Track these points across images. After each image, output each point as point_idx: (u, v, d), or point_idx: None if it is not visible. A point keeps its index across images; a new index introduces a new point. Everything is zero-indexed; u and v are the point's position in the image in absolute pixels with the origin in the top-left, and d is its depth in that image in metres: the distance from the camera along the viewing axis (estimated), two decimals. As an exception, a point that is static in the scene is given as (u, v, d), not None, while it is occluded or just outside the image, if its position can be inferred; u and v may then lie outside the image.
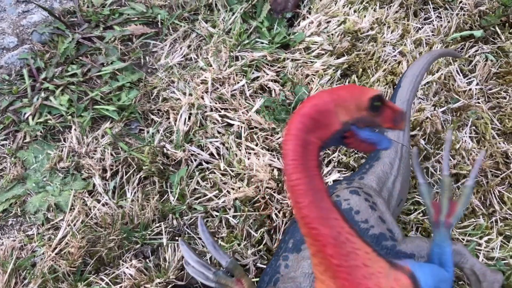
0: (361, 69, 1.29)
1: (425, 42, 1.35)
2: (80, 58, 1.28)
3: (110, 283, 0.96)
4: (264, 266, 0.97)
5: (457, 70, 1.30)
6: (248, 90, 1.23)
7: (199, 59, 1.30)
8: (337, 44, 1.31)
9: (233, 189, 1.07)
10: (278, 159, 1.12)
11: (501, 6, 1.39)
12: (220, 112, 1.19)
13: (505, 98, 1.26)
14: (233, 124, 1.17)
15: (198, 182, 1.09)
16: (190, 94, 1.22)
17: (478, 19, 1.39)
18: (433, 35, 1.38)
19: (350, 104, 0.56)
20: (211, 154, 1.13)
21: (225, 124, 1.18)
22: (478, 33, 1.35)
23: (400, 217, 1.05)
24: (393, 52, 1.33)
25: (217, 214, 1.05)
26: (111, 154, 1.12)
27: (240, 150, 1.13)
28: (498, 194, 1.11)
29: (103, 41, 1.31)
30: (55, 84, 1.23)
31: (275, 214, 1.04)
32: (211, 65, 1.27)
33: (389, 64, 1.30)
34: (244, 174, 1.09)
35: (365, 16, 1.39)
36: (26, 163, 1.13)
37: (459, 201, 0.77)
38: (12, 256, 0.99)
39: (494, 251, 1.01)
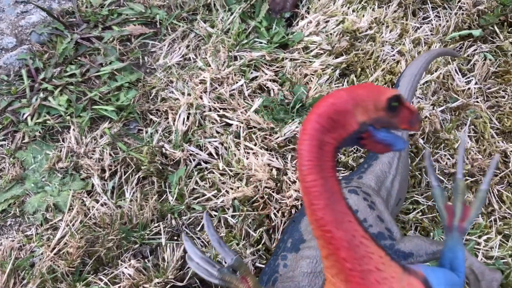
0: (359, 69, 1.29)
1: (423, 42, 1.35)
2: (79, 58, 1.28)
3: (108, 283, 0.96)
4: (263, 266, 0.97)
5: (455, 69, 1.30)
6: (247, 90, 1.23)
7: (197, 59, 1.30)
8: (335, 44, 1.31)
9: (231, 188, 1.07)
10: (277, 158, 1.12)
11: (500, 5, 1.40)
12: (219, 112, 1.19)
13: (503, 97, 1.26)
14: (232, 124, 1.17)
15: (196, 182, 1.09)
16: (189, 94, 1.22)
17: (476, 18, 1.39)
18: (431, 34, 1.38)
19: (368, 104, 0.54)
20: (210, 154, 1.13)
21: (223, 124, 1.18)
22: (476, 32, 1.35)
23: (399, 216, 1.05)
24: (392, 51, 1.33)
25: (216, 214, 1.05)
26: (110, 154, 1.12)
27: (238, 150, 1.13)
28: (497, 193, 1.11)
29: (102, 41, 1.31)
30: (54, 85, 1.23)
31: (274, 213, 1.04)
32: (209, 65, 1.27)
33: (388, 63, 1.30)
34: (243, 173, 1.09)
35: (363, 15, 1.39)
36: (25, 163, 1.13)
37: (473, 205, 0.75)
38: (11, 256, 0.99)
39: (493, 250, 1.01)
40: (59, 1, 1.41)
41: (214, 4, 1.41)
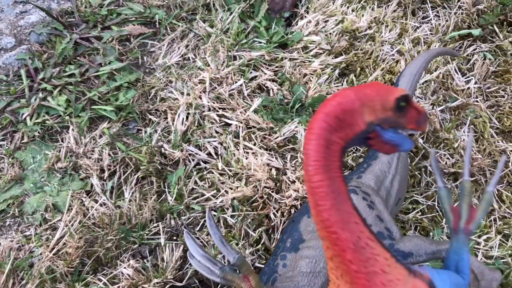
0: (359, 68, 1.28)
1: (423, 41, 1.35)
2: (78, 58, 1.28)
3: (107, 283, 0.96)
4: (262, 266, 0.97)
5: (455, 69, 1.30)
6: (246, 90, 1.23)
7: (197, 58, 1.30)
8: (335, 43, 1.31)
9: (231, 188, 1.07)
10: (276, 158, 1.11)
11: (499, 5, 1.39)
12: (218, 111, 1.19)
13: (503, 96, 1.26)
14: (231, 124, 1.17)
15: (196, 182, 1.09)
16: (188, 94, 1.21)
17: (476, 18, 1.39)
18: (431, 34, 1.37)
19: (376, 104, 0.53)
20: (209, 154, 1.13)
21: (223, 123, 1.18)
22: (476, 31, 1.35)
23: (399, 216, 1.05)
24: (391, 51, 1.33)
25: (215, 213, 1.05)
26: (109, 154, 1.12)
27: (238, 150, 1.12)
28: (496, 192, 1.11)
29: (101, 41, 1.31)
30: (53, 85, 1.23)
31: (273, 213, 1.04)
32: (209, 65, 1.27)
33: (387, 63, 1.30)
34: (242, 173, 1.08)
35: (363, 15, 1.39)
36: (24, 163, 1.13)
37: (479, 207, 0.74)
38: (10, 256, 0.99)
39: (493, 249, 1.01)
40: (58, 1, 1.41)
41: (214, 4, 1.40)
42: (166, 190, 1.08)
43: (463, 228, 0.72)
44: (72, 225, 1.02)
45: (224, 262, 0.97)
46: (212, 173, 1.10)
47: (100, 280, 0.96)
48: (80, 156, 1.13)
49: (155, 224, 1.03)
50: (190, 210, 1.06)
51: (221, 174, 1.10)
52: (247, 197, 1.05)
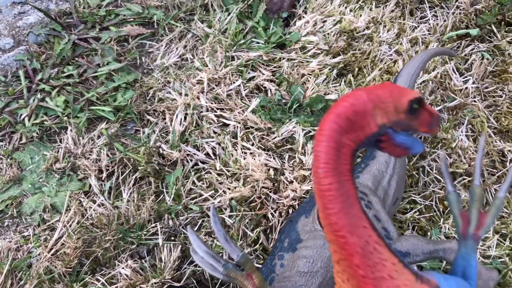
0: (357, 68, 1.29)
1: (421, 41, 1.35)
2: (76, 59, 1.29)
3: (106, 283, 0.96)
4: (260, 266, 0.97)
5: (453, 69, 1.30)
6: (244, 90, 1.23)
7: (195, 59, 1.30)
8: (333, 44, 1.31)
9: (229, 189, 1.07)
10: (274, 158, 1.12)
11: (497, 5, 1.40)
12: (216, 112, 1.19)
13: (501, 96, 1.26)
14: (229, 124, 1.17)
15: (194, 182, 1.09)
16: (186, 94, 1.22)
17: (474, 18, 1.39)
18: (429, 34, 1.38)
19: (388, 106, 0.52)
20: (207, 154, 1.13)
21: (221, 124, 1.18)
22: (474, 31, 1.35)
23: (396, 216, 1.05)
24: (389, 51, 1.33)
25: (213, 214, 1.05)
26: (107, 155, 1.12)
27: (236, 150, 1.13)
28: (494, 192, 1.11)
29: (99, 42, 1.31)
30: (51, 85, 1.23)
31: (271, 213, 1.04)
32: (207, 65, 1.27)
33: (385, 63, 1.30)
34: (240, 174, 1.09)
35: (361, 15, 1.39)
36: (22, 164, 1.13)
37: (489, 213, 0.73)
38: (8, 257, 0.99)
39: (490, 249, 1.01)
40: (57, 2, 1.41)
41: (212, 4, 1.41)
42: (164, 190, 1.08)
43: (472, 234, 0.71)
44: (70, 226, 1.02)
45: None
46: (210, 173, 1.10)
47: (98, 280, 0.96)
48: (78, 156, 1.13)
49: (153, 225, 1.03)
50: (188, 210, 1.06)
51: (219, 175, 1.10)
52: (245, 197, 1.05)
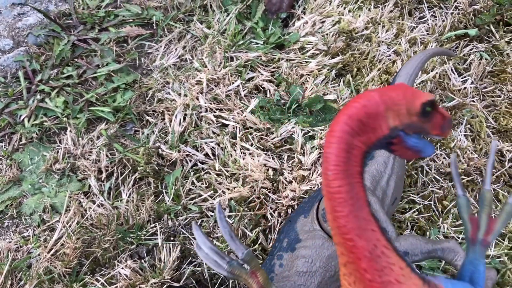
0: (355, 69, 1.29)
1: (419, 41, 1.36)
2: (76, 60, 1.29)
3: (105, 283, 0.96)
4: (259, 266, 0.98)
5: (451, 69, 1.30)
6: (243, 91, 1.23)
7: (194, 60, 1.30)
8: (331, 44, 1.31)
9: (228, 189, 1.08)
10: (273, 159, 1.12)
11: (496, 5, 1.40)
12: (215, 112, 1.20)
13: (499, 96, 1.27)
14: (228, 125, 1.17)
15: (193, 183, 1.10)
16: (185, 95, 1.22)
17: (472, 18, 1.39)
18: (427, 34, 1.38)
19: (401, 108, 0.51)
20: (206, 155, 1.13)
21: (220, 124, 1.18)
22: (472, 31, 1.36)
23: (395, 216, 1.06)
24: (388, 51, 1.33)
25: (212, 214, 1.05)
26: (107, 156, 1.13)
27: (235, 150, 1.13)
28: (493, 192, 1.11)
29: (99, 43, 1.32)
30: (51, 86, 1.23)
31: (270, 213, 1.04)
32: (206, 66, 1.28)
33: (384, 63, 1.30)
34: (239, 174, 1.09)
35: (359, 15, 1.39)
36: (22, 165, 1.13)
37: (499, 218, 0.71)
38: (8, 257, 0.99)
39: (489, 249, 1.01)
40: (56, 3, 1.41)
41: (211, 5, 1.41)
42: (164, 191, 1.09)
43: (481, 240, 0.70)
44: (70, 226, 1.02)
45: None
46: (209, 173, 1.11)
47: (97, 280, 0.97)
48: (78, 157, 1.13)
49: (153, 225, 1.04)
50: (187, 210, 1.06)
51: (218, 175, 1.10)
52: (244, 197, 1.06)
